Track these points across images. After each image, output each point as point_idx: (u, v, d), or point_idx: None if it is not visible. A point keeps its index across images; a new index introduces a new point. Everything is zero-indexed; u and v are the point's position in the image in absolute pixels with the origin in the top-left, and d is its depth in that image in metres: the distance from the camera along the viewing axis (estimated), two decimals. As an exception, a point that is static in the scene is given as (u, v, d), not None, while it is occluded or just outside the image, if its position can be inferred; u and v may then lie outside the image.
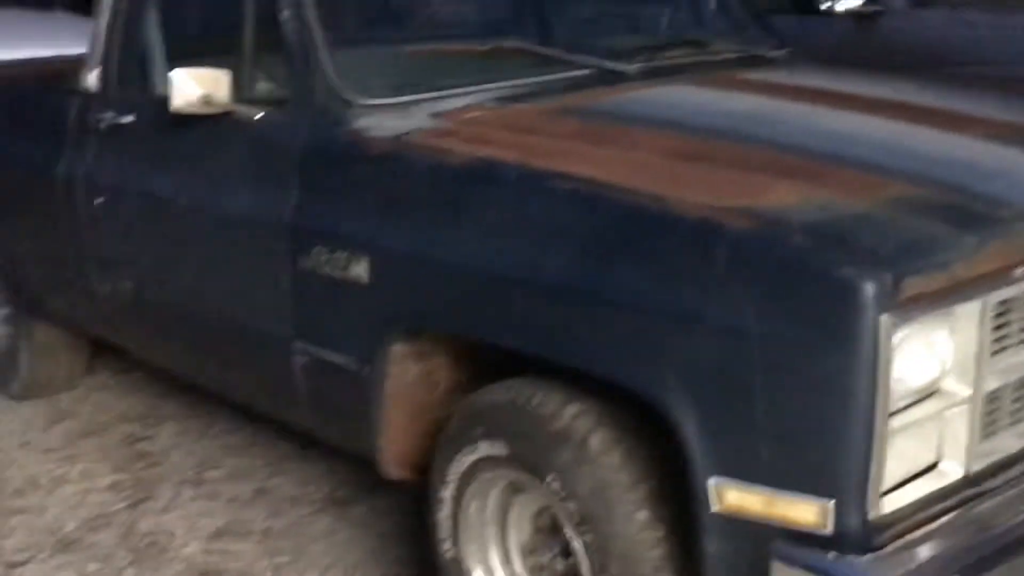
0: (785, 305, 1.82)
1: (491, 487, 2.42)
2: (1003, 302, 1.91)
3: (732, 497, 1.90)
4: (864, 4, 5.15)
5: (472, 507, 2.45)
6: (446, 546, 2.51)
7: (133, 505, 3.41)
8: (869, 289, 1.74)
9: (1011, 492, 1.99)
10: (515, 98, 2.77)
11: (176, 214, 2.94)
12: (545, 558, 2.37)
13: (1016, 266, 1.92)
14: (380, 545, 3.15)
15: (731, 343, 1.86)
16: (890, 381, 1.78)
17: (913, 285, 1.78)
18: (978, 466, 1.97)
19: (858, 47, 5.06)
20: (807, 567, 1.81)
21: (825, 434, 1.80)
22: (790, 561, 1.83)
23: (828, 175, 2.14)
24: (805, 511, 1.83)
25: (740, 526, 1.90)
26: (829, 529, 1.81)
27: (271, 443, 3.76)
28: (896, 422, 1.83)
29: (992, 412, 1.98)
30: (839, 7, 5.14)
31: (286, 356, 2.71)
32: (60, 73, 5.07)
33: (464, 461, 2.39)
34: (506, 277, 2.16)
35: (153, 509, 3.38)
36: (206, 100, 2.71)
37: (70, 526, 3.31)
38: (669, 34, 3.43)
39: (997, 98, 2.97)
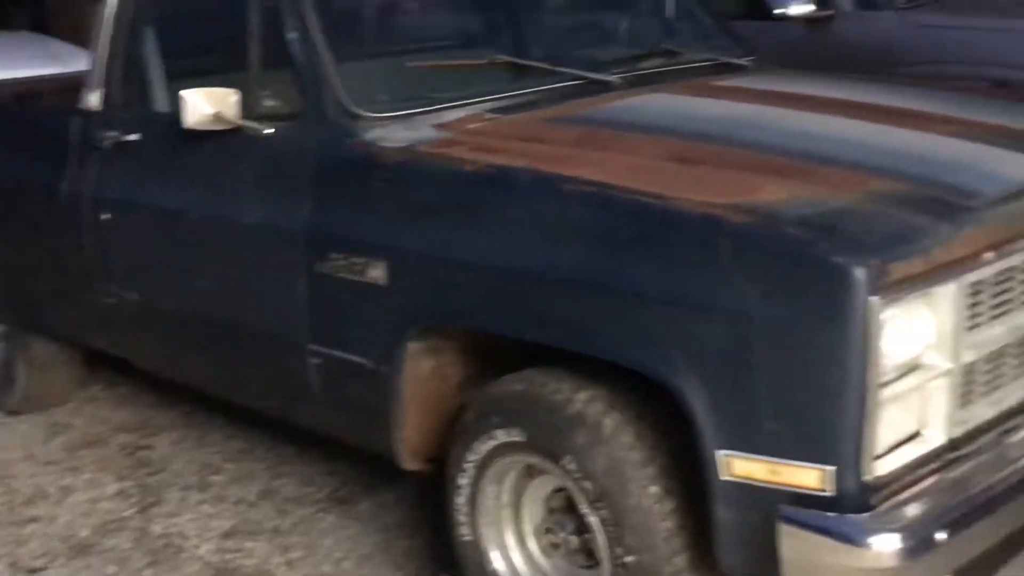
0: (784, 290, 2.01)
1: (507, 472, 2.59)
2: (975, 283, 2.13)
3: (739, 467, 2.09)
4: (815, 9, 5.35)
5: (488, 492, 2.62)
6: (464, 530, 2.67)
7: (143, 510, 3.53)
8: (860, 274, 1.94)
9: (987, 456, 2.20)
10: (509, 109, 2.95)
11: (187, 227, 3.08)
12: (560, 536, 2.54)
13: (986, 250, 2.14)
14: (388, 538, 3.31)
15: (736, 327, 2.05)
16: (880, 356, 1.98)
17: (897, 269, 1.99)
18: (957, 433, 2.18)
19: (811, 51, 5.29)
20: (811, 527, 2.01)
21: (823, 406, 2.00)
22: (795, 522, 2.02)
23: (812, 173, 2.34)
24: (807, 476, 2.03)
25: (747, 493, 2.09)
26: (830, 492, 2.01)
27: (269, 447, 3.90)
28: (885, 393, 2.03)
29: (968, 383, 2.19)
30: (791, 12, 5.33)
31: (302, 359, 2.86)
32: (36, 92, 5.18)
33: (481, 449, 2.56)
34: (524, 274, 2.34)
35: (162, 513, 3.51)
36: (217, 117, 2.85)
37: (84, 532, 3.42)
38: (644, 44, 3.62)
39: (951, 97, 3.20)
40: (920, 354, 2.10)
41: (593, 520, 2.37)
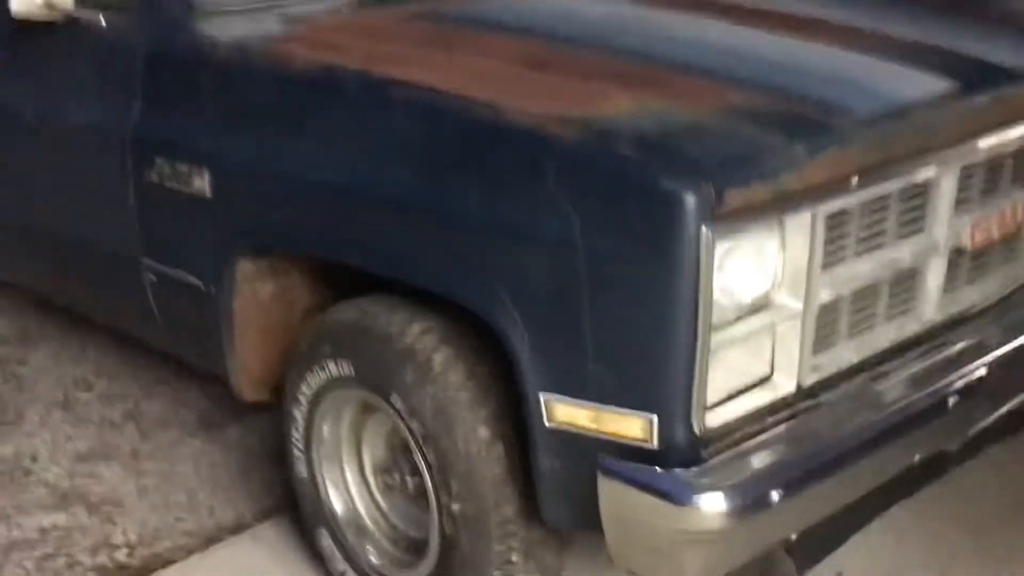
0: (609, 218, 1.77)
1: (344, 406, 2.38)
2: (835, 214, 1.89)
3: (562, 412, 1.88)
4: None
5: (325, 426, 2.41)
6: (300, 467, 2.47)
7: (-2, 428, 3.32)
8: (689, 200, 1.69)
9: (845, 405, 1.98)
10: (374, 2, 2.67)
11: (22, 127, 2.81)
12: (395, 477, 2.34)
13: (850, 176, 1.89)
14: (249, 467, 3.11)
15: (559, 258, 1.82)
16: (713, 295, 1.74)
17: (737, 196, 1.74)
18: (812, 379, 1.96)
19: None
20: (630, 480, 1.79)
21: (647, 349, 1.78)
22: (615, 475, 1.81)
23: (669, 82, 2.08)
24: (630, 426, 1.81)
25: (571, 441, 1.88)
26: (654, 444, 1.79)
27: (147, 366, 3.66)
28: (724, 336, 1.80)
29: (827, 325, 1.97)
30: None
31: (136, 275, 2.62)
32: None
33: (313, 381, 2.34)
34: (347, 192, 2.09)
35: (18, 432, 3.30)
36: (48, 5, 2.57)
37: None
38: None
39: (863, 4, 2.91)
40: (767, 292, 1.87)
41: (421, 463, 2.16)
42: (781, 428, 1.90)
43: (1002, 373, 2.20)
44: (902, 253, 2.04)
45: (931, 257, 2.11)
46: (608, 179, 1.77)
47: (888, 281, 2.05)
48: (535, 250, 1.84)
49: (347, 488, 2.45)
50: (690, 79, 2.10)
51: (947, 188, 2.08)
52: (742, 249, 1.78)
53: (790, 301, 1.88)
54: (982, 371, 2.14)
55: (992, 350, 2.21)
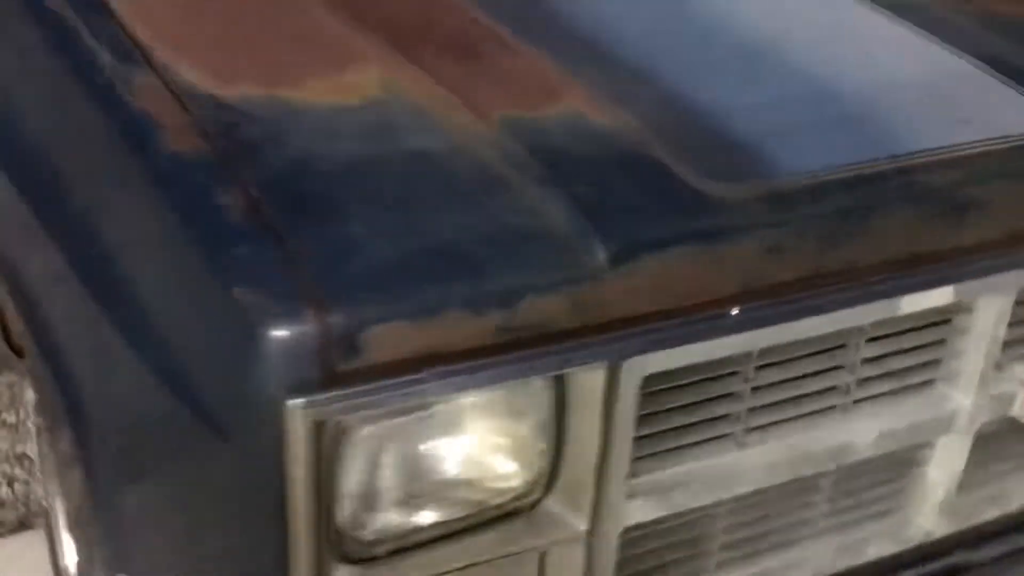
0: (181, 308, 0.90)
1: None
2: (665, 375, 0.93)
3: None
4: None
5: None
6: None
7: None
8: (268, 340, 0.80)
9: None
10: None
11: None
12: None
13: (724, 301, 0.93)
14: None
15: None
16: (335, 518, 0.86)
17: (399, 336, 0.83)
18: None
19: None
20: None
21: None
22: None
23: (493, 55, 1.13)
24: None
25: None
26: None
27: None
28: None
29: (654, 553, 1.04)
30: None
31: None
32: None
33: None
34: None
35: None
36: None
37: None
38: None
39: None
40: (525, 496, 0.96)
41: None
42: None
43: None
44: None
45: (937, 437, 1.13)
46: (195, 237, 0.90)
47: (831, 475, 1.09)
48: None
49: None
50: (534, 54, 1.12)
51: (987, 324, 1.07)
52: (422, 435, 0.88)
53: (571, 520, 0.97)
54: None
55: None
